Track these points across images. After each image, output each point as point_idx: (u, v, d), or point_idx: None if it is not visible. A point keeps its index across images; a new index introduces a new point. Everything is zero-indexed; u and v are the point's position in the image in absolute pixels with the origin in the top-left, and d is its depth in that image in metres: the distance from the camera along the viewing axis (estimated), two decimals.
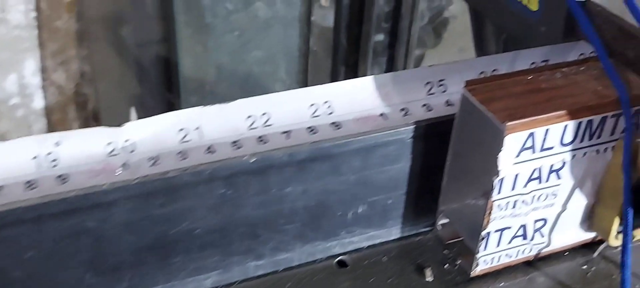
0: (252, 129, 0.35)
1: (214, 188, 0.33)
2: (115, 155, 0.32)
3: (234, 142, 0.34)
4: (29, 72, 0.94)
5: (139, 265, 0.34)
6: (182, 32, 0.88)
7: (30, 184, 0.31)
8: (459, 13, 0.88)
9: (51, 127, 1.02)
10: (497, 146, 0.34)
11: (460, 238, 0.41)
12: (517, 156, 0.35)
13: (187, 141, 0.34)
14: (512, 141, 0.35)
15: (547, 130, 0.35)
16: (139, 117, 0.95)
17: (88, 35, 0.96)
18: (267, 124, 0.35)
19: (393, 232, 0.40)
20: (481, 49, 0.49)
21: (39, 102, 0.99)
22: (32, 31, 0.91)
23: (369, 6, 0.90)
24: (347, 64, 0.96)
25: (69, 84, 1.00)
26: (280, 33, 0.93)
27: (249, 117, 0.35)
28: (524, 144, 0.35)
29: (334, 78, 0.96)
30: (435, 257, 0.40)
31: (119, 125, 0.33)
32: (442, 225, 0.41)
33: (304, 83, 0.96)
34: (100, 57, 0.96)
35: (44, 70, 0.96)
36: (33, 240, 0.31)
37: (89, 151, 0.32)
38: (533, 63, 0.40)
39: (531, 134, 0.35)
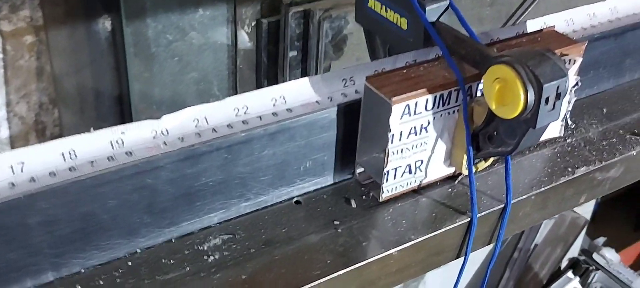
0: (237, 116, 0.55)
1: (219, 154, 0.53)
2: (158, 137, 0.51)
3: (228, 125, 0.54)
4: None
5: (174, 209, 0.53)
6: (132, 61, 1.05)
7: (110, 158, 0.49)
8: (355, 30, 1.11)
9: None
10: (388, 113, 0.56)
11: (371, 180, 0.63)
12: (400, 119, 0.57)
13: (200, 126, 0.53)
14: (397, 110, 0.57)
15: (416, 101, 0.58)
16: None
17: (46, 71, 1.12)
18: (247, 112, 0.56)
19: (329, 179, 0.62)
20: (373, 56, 0.71)
21: (4, 132, 1.13)
22: None
23: (283, 29, 1.12)
24: (268, 77, 1.16)
25: (30, 115, 1.15)
26: (211, 56, 1.13)
27: (235, 108, 0.55)
28: (403, 111, 0.57)
29: None
30: (357, 192, 0.62)
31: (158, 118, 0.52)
32: (359, 172, 0.63)
33: (235, 90, 1.16)
34: (59, 88, 1.12)
35: (8, 104, 1.10)
36: (115, 193, 0.49)
37: (142, 136, 0.51)
38: (407, 62, 0.63)
39: (407, 105, 0.57)
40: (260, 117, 0.55)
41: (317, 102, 0.58)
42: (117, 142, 0.50)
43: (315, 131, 0.58)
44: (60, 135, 1.14)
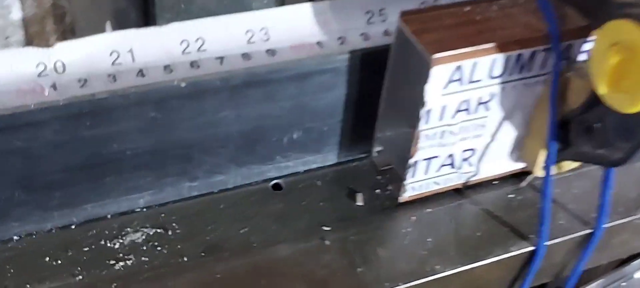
0: (185, 53, 0.36)
1: (144, 111, 0.34)
2: (45, 75, 0.33)
3: (166, 66, 0.35)
4: None
5: (69, 184, 0.35)
6: None
7: None
8: None
9: (29, 39, 1.02)
10: (424, 78, 0.35)
11: (392, 166, 0.42)
12: (445, 88, 0.36)
13: (118, 64, 0.34)
14: (440, 73, 0.35)
15: (475, 62, 0.36)
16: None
17: None
18: (201, 48, 0.36)
19: (329, 157, 0.42)
20: None
21: (16, 13, 0.98)
22: None
23: None
24: None
25: None
26: None
27: (183, 41, 0.36)
28: (451, 76, 0.36)
29: None
30: (369, 182, 0.42)
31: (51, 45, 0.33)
32: (378, 152, 0.43)
33: (282, 1, 0.95)
34: None
35: None
36: None
37: (18, 71, 0.33)
38: None
39: (459, 67, 0.35)
40: (221, 59, 0.36)
41: (318, 43, 0.38)
42: None
43: (311, 88, 0.38)
44: (72, 28, 0.99)
